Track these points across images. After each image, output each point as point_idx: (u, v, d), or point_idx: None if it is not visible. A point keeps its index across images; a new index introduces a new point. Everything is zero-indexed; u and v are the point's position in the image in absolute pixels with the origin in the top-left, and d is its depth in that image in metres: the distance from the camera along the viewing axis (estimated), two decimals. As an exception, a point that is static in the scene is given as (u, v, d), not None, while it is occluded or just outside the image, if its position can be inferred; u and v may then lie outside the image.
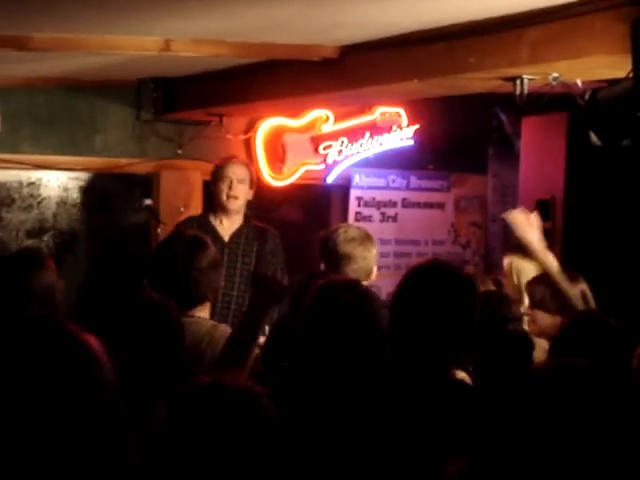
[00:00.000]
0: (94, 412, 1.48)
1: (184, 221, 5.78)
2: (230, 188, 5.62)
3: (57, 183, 6.63)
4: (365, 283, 3.85)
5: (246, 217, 5.74)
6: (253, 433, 1.95)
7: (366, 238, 4.48)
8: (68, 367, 1.46)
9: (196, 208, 6.54)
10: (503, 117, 6.91)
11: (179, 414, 1.97)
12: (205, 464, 1.92)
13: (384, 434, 2.64)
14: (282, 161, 6.79)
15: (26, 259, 3.65)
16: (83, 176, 6.65)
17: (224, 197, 5.63)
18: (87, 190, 6.69)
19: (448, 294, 2.73)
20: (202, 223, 5.64)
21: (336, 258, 4.37)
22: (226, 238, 5.64)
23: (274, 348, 3.53)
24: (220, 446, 1.93)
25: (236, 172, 5.67)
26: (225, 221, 5.68)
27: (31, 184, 6.55)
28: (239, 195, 5.65)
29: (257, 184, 6.79)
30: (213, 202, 5.76)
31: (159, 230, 5.79)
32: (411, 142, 7.07)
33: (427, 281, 2.77)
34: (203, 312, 3.69)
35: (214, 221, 5.69)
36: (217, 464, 1.92)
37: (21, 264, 3.62)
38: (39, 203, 6.59)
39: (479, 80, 4.49)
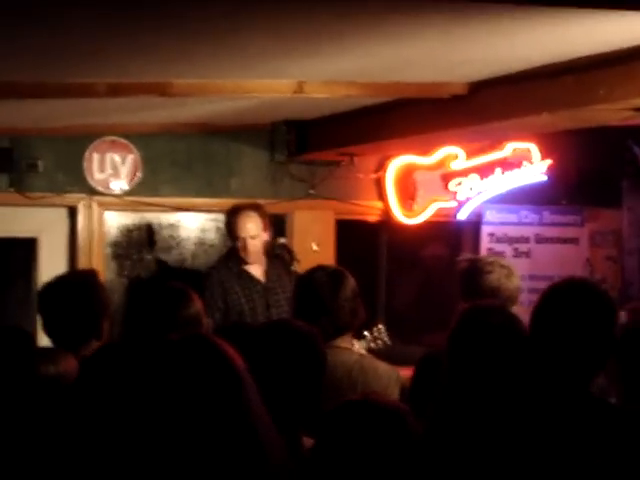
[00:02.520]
0: (241, 428, 1.53)
1: (214, 267, 5.82)
2: (245, 246, 5.62)
3: (195, 224, 6.84)
4: None
5: (266, 251, 5.74)
6: (399, 448, 2.02)
7: (511, 270, 4.46)
8: (220, 384, 1.53)
9: (329, 245, 6.66)
10: (636, 150, 6.82)
11: (331, 426, 2.05)
12: (351, 476, 1.99)
13: (532, 453, 2.64)
14: (413, 199, 6.86)
15: (174, 292, 3.80)
16: (220, 217, 6.84)
17: (244, 253, 5.64)
18: (224, 230, 6.87)
19: (587, 310, 2.73)
20: (233, 269, 5.68)
21: (481, 291, 4.34)
22: (262, 279, 5.71)
23: (422, 385, 3.56)
24: (367, 460, 2.01)
25: (247, 229, 5.63)
26: (255, 265, 5.71)
27: (171, 225, 6.78)
28: (256, 250, 5.65)
29: (388, 222, 6.88)
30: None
31: (293, 268, 5.91)
32: (543, 177, 7.03)
33: (566, 298, 2.78)
34: (346, 342, 3.75)
35: (244, 265, 5.70)
36: (362, 476, 2.00)
37: (170, 297, 3.78)
38: (178, 244, 6.81)
39: (609, 112, 4.47)
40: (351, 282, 3.82)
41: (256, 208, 5.77)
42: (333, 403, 2.24)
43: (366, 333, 5.15)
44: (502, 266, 4.50)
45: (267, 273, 5.72)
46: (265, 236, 5.73)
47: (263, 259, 5.72)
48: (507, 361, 2.83)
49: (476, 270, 4.44)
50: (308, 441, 2.60)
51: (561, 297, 2.80)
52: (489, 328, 2.87)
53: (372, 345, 5.13)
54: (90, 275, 4.07)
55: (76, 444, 1.55)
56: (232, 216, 5.73)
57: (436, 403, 2.87)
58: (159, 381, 1.52)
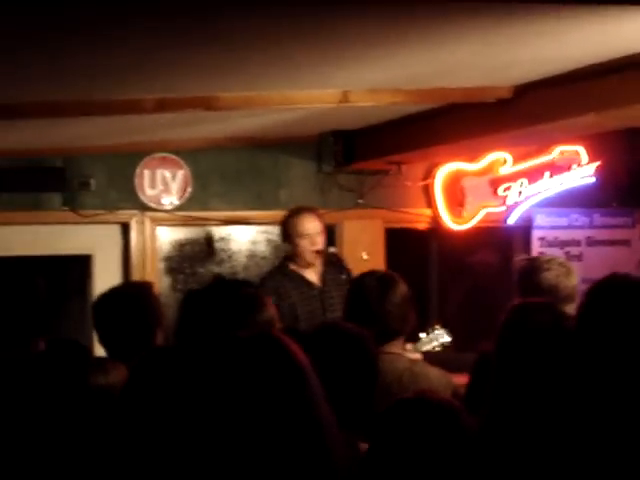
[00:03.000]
0: (306, 425, 1.54)
1: (269, 274, 5.81)
2: (313, 244, 5.61)
3: (246, 237, 6.90)
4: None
5: (333, 257, 5.75)
6: (453, 444, 2.04)
7: (569, 269, 4.44)
8: (284, 379, 1.55)
9: (379, 254, 6.68)
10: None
11: (387, 424, 2.08)
12: (407, 472, 2.01)
13: (583, 451, 2.64)
14: (462, 205, 6.86)
15: (247, 298, 3.83)
16: (270, 229, 6.89)
17: (308, 253, 5.62)
18: (275, 242, 6.93)
19: (631, 304, 2.72)
20: (287, 274, 5.67)
21: (539, 289, 4.32)
22: (318, 284, 5.69)
23: (478, 388, 3.55)
24: (422, 457, 2.03)
25: (314, 227, 5.64)
26: (310, 269, 5.70)
27: (222, 239, 6.85)
28: (322, 248, 5.65)
29: (438, 229, 6.88)
30: (293, 254, 5.71)
31: (344, 277, 5.93)
32: (592, 180, 7.00)
33: (610, 294, 2.77)
34: (397, 347, 3.76)
35: (299, 270, 5.69)
36: (418, 473, 2.01)
37: (243, 302, 3.81)
38: (230, 257, 6.87)
39: (657, 110, 4.45)
40: (401, 287, 3.82)
41: (315, 210, 5.82)
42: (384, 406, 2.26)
43: (422, 335, 5.10)
44: (561, 264, 4.48)
45: (322, 277, 5.71)
46: (323, 239, 5.74)
47: (319, 263, 5.71)
48: (554, 359, 2.83)
49: (534, 268, 4.42)
50: (363, 445, 2.61)
51: (604, 293, 2.80)
52: (536, 326, 2.87)
53: (429, 348, 5.07)
54: (144, 286, 4.12)
55: (130, 445, 1.56)
56: (294, 216, 5.74)
57: (486, 401, 2.87)
58: (219, 377, 1.53)
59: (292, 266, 5.72)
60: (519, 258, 4.91)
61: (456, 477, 2.03)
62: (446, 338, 5.17)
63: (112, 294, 3.97)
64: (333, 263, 5.78)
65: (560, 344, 2.85)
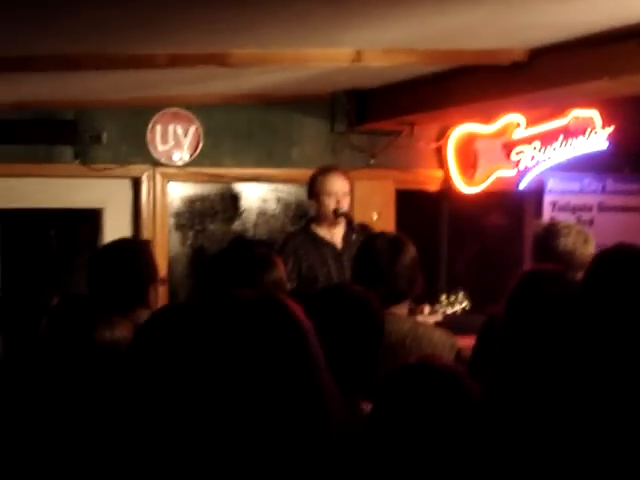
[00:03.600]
0: (306, 385, 1.54)
1: (291, 235, 5.80)
2: (338, 203, 5.56)
3: (257, 195, 6.90)
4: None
5: (348, 219, 5.64)
6: (455, 410, 2.05)
7: (588, 237, 4.44)
8: (285, 342, 1.55)
9: (389, 216, 6.67)
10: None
11: (388, 391, 2.09)
12: (412, 441, 2.02)
13: (586, 418, 2.65)
14: (474, 168, 6.83)
15: (258, 258, 3.85)
16: (281, 187, 6.89)
17: (331, 212, 5.57)
18: (285, 201, 6.93)
19: (635, 275, 2.73)
20: (309, 235, 5.64)
21: (555, 254, 4.31)
22: (339, 246, 5.64)
23: (484, 352, 3.56)
24: (425, 423, 2.04)
25: (340, 186, 5.59)
26: (331, 230, 5.66)
27: (232, 196, 6.85)
28: (346, 208, 5.61)
29: (449, 191, 6.88)
30: (317, 213, 5.68)
31: (354, 237, 5.93)
32: (605, 145, 6.96)
33: (615, 264, 2.78)
34: (403, 309, 3.78)
35: (321, 231, 5.66)
36: (422, 442, 2.03)
37: (254, 262, 3.83)
38: (240, 214, 6.88)
39: (672, 76, 4.42)
40: (411, 250, 3.83)
41: (343, 171, 5.78)
42: (386, 369, 2.26)
43: (443, 297, 5.10)
44: (579, 232, 4.48)
45: (345, 239, 5.67)
46: (349, 200, 5.70)
47: (342, 225, 5.68)
48: (561, 328, 2.83)
49: (552, 233, 4.42)
50: (367, 405, 2.63)
51: (609, 262, 2.80)
52: (546, 294, 2.87)
53: (448, 310, 5.07)
54: (138, 243, 4.14)
55: (134, 403, 1.57)
56: (322, 174, 5.69)
57: (490, 367, 2.88)
58: (222, 337, 1.53)
59: (315, 227, 5.69)
60: (537, 222, 4.90)
61: (458, 443, 2.04)
62: (465, 303, 5.18)
63: (106, 250, 3.99)
64: (364, 229, 5.72)
65: (568, 313, 2.85)
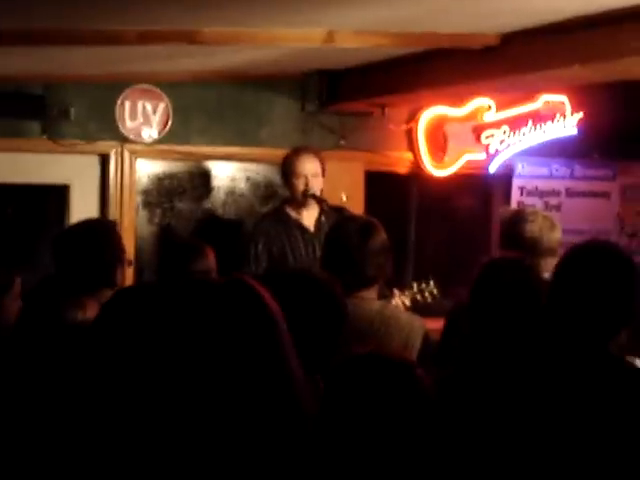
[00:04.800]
0: (272, 368, 1.53)
1: (263, 216, 5.79)
2: (306, 185, 5.53)
3: (226, 174, 6.86)
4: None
5: (319, 201, 5.61)
6: (407, 401, 2.04)
7: (554, 223, 4.47)
8: (255, 328, 1.53)
9: (358, 197, 6.66)
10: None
11: (337, 381, 2.08)
12: (361, 431, 2.02)
13: (544, 412, 2.67)
14: (444, 150, 6.84)
15: (187, 247, 3.88)
16: (250, 167, 6.85)
17: (300, 193, 5.55)
18: (254, 180, 6.90)
19: (607, 272, 2.74)
20: (281, 217, 5.62)
21: (522, 240, 4.33)
22: (312, 229, 5.62)
23: (452, 336, 3.58)
24: (375, 414, 2.03)
25: (310, 167, 5.55)
26: (304, 212, 5.63)
27: (201, 174, 6.81)
28: (315, 190, 5.56)
29: (419, 173, 6.88)
30: (289, 194, 5.68)
31: (323, 219, 5.91)
32: (575, 130, 6.99)
33: (587, 259, 2.79)
34: (372, 294, 3.77)
35: (293, 213, 5.63)
36: (371, 432, 2.02)
37: (183, 252, 3.85)
38: (209, 193, 6.84)
39: (642, 64, 4.43)
40: (381, 235, 3.82)
41: (316, 152, 5.74)
42: (354, 350, 2.26)
43: (414, 285, 5.12)
44: (545, 217, 4.51)
45: (318, 221, 5.64)
46: (322, 182, 5.66)
47: (315, 207, 5.65)
48: (522, 317, 2.86)
49: (518, 219, 4.45)
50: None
51: (581, 258, 2.81)
52: (505, 284, 2.90)
53: (417, 297, 5.09)
54: (105, 223, 4.12)
55: (99, 390, 1.56)
56: (293, 155, 5.65)
57: (457, 355, 2.90)
58: (190, 321, 1.51)
59: (288, 209, 5.66)
60: (503, 208, 4.92)
61: (407, 434, 2.03)
62: (435, 291, 5.21)
63: (72, 230, 3.96)
64: (339, 212, 5.65)
65: (528, 302, 2.88)
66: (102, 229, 3.99)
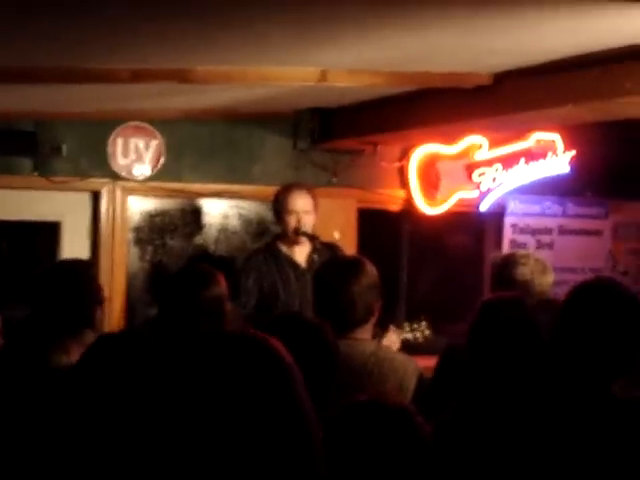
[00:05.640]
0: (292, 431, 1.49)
1: (255, 251, 5.75)
2: (298, 221, 5.50)
3: (218, 211, 6.85)
4: None
5: (311, 238, 5.57)
6: (407, 450, 2.01)
7: (546, 266, 4.44)
8: (273, 384, 1.50)
9: (351, 235, 6.65)
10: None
11: (338, 429, 2.05)
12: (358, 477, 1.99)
13: (547, 453, 2.64)
14: (436, 188, 6.83)
15: (197, 274, 3.85)
16: (242, 204, 6.84)
17: (292, 230, 5.52)
18: (246, 217, 6.88)
19: (613, 310, 2.72)
20: (274, 253, 5.59)
21: (513, 282, 4.30)
22: (303, 264, 5.58)
23: (445, 375, 3.55)
24: (375, 462, 2.00)
25: (302, 204, 5.53)
26: (296, 248, 5.60)
27: (193, 211, 6.79)
28: (307, 227, 5.53)
29: (411, 211, 6.87)
30: (281, 231, 5.64)
31: (315, 256, 5.89)
32: (567, 169, 7.00)
33: (592, 298, 2.77)
34: (365, 334, 3.71)
35: (285, 249, 5.60)
36: (369, 477, 1.99)
37: (192, 279, 3.82)
38: (201, 230, 6.82)
39: (634, 105, 4.44)
40: (368, 274, 3.72)
41: (308, 188, 5.71)
42: (348, 394, 2.23)
43: (406, 325, 5.11)
44: (537, 261, 4.48)
45: (310, 257, 5.61)
46: (314, 218, 5.63)
47: (307, 243, 5.61)
48: (522, 357, 2.83)
49: (510, 262, 4.42)
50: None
51: (588, 296, 2.79)
52: (504, 323, 2.87)
53: (409, 336, 5.07)
54: (81, 264, 4.09)
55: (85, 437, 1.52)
56: (284, 191, 5.62)
57: (458, 396, 2.87)
58: (205, 379, 1.48)
59: (280, 245, 5.63)
60: (495, 253, 4.91)
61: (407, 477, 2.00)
62: (428, 332, 5.21)
63: (49, 272, 3.93)
64: (330, 248, 5.61)
65: (526, 342, 2.85)
66: (79, 270, 3.96)
